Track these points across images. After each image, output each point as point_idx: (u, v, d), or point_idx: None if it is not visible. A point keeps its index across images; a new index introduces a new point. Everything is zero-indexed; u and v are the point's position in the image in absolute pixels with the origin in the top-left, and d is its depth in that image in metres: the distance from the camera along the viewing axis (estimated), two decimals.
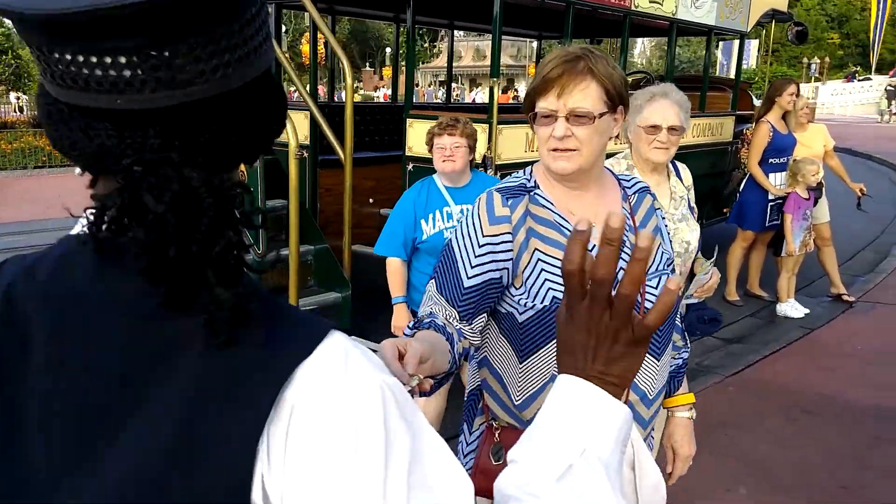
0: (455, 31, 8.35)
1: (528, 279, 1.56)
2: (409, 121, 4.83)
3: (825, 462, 3.86)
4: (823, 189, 6.30)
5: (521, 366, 1.61)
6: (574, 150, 1.55)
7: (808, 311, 6.31)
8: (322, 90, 8.04)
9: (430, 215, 3.47)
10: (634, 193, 1.73)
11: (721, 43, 30.26)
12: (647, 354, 1.64)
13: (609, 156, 2.84)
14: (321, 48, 10.88)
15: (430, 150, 3.50)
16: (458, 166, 3.42)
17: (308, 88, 5.68)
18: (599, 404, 0.75)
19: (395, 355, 1.19)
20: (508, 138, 4.53)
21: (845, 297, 6.63)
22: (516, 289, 1.58)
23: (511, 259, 1.57)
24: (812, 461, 3.86)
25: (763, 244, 6.55)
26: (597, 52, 1.55)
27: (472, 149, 3.49)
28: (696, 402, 2.13)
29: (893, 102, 34.36)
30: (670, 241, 1.78)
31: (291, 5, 6.45)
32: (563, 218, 1.61)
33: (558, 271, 1.56)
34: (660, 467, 1.83)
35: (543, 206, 1.61)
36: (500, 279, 1.58)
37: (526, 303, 1.57)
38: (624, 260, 1.63)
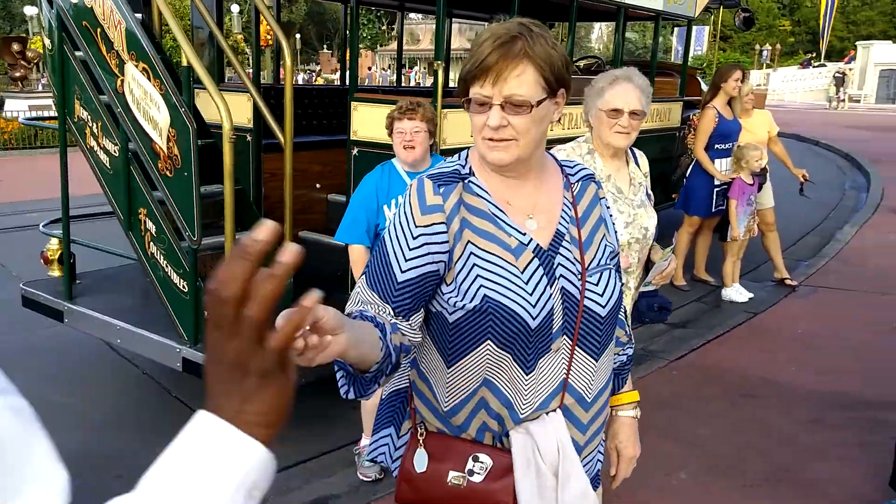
0: (413, 14, 8.23)
1: (458, 275, 1.46)
2: (353, 104, 4.72)
3: (766, 445, 3.92)
4: (768, 175, 6.39)
5: (448, 370, 1.52)
6: (511, 140, 1.44)
7: (752, 295, 6.41)
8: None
9: (393, 201, 3.42)
10: (578, 181, 1.63)
11: (676, 29, 30.53)
12: (584, 353, 1.55)
13: (569, 140, 2.82)
14: (270, 29, 10.68)
15: (390, 135, 3.44)
16: (419, 154, 3.38)
17: (251, 70, 5.54)
18: (225, 447, 0.66)
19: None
20: (453, 123, 4.47)
21: (788, 282, 6.74)
22: (447, 285, 1.48)
23: (447, 251, 1.46)
24: (753, 444, 3.91)
25: (709, 229, 6.62)
26: (536, 28, 1.43)
27: (432, 133, 3.44)
28: (640, 386, 2.10)
29: (841, 89, 35.17)
30: (615, 233, 1.69)
31: None
32: (499, 209, 1.50)
33: (492, 267, 1.47)
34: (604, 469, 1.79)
35: (478, 195, 1.50)
36: (438, 272, 1.47)
37: (456, 302, 1.46)
38: (564, 257, 1.53)
